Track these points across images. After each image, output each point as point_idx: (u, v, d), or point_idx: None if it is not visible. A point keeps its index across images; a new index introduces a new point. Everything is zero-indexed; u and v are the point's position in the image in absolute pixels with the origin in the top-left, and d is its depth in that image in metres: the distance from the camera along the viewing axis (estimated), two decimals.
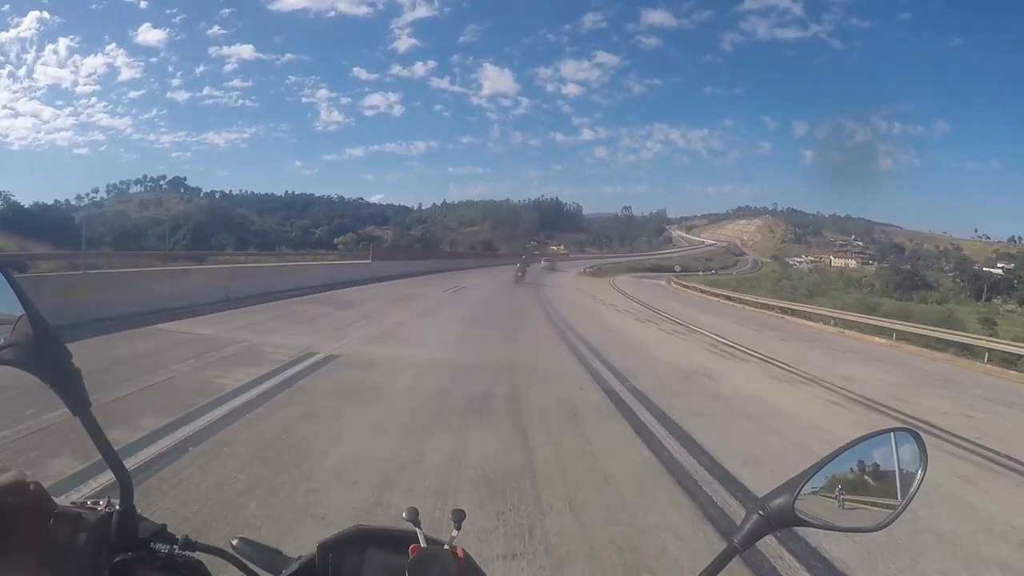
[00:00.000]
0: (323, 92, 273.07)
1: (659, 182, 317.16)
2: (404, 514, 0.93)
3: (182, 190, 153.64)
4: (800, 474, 0.87)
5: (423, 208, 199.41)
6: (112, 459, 0.78)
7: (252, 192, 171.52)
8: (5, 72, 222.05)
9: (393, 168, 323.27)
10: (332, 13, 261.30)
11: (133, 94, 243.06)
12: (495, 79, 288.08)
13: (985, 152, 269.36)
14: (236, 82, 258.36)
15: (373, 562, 0.90)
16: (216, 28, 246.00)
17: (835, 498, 0.88)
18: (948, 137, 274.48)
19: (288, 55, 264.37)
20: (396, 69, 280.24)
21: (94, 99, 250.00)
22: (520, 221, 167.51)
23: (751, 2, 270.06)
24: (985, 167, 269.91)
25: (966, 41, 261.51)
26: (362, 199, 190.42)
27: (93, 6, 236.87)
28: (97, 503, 0.83)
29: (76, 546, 0.74)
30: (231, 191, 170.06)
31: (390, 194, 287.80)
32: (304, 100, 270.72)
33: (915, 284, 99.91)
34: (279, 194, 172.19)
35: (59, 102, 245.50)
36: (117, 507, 0.80)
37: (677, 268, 78.66)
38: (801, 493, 0.85)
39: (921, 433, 0.92)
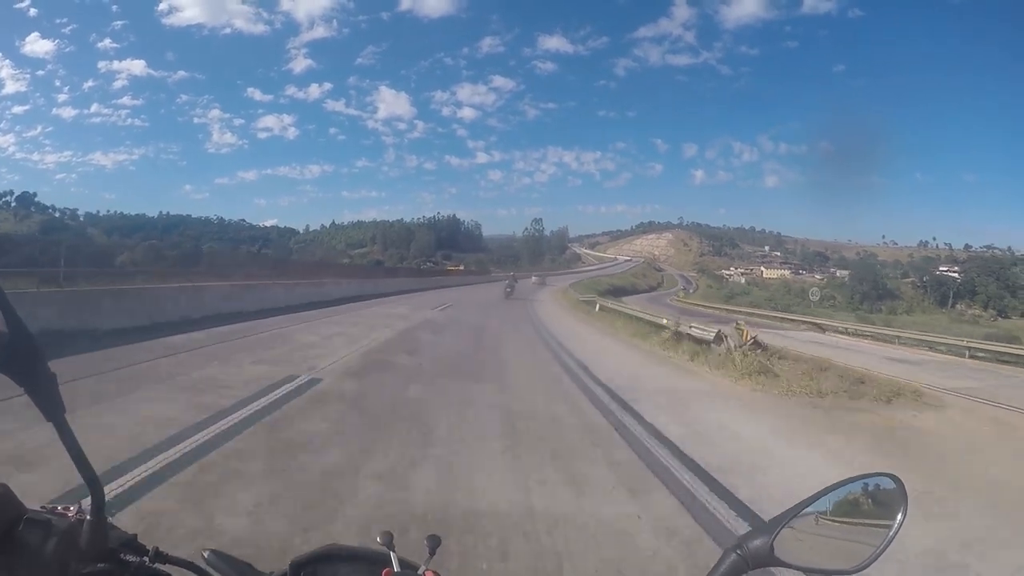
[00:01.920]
0: (216, 112, 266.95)
1: (553, 204, 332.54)
2: (379, 538, 0.96)
3: (32, 208, 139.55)
4: (779, 515, 0.88)
5: (311, 230, 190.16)
6: (84, 466, 0.77)
7: (121, 213, 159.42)
8: None
9: (286, 192, 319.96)
10: (228, 30, 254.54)
11: (17, 109, 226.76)
12: (391, 102, 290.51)
13: (866, 168, 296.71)
14: (126, 99, 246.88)
15: None
16: (107, 41, 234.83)
17: (814, 539, 0.90)
18: (831, 155, 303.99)
19: (180, 72, 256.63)
20: (291, 90, 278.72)
21: None
22: (414, 240, 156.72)
23: (645, 30, 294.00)
24: (866, 181, 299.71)
25: (848, 67, 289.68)
26: (244, 221, 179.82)
27: None
28: (68, 508, 0.83)
29: (44, 553, 0.74)
30: (98, 212, 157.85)
31: (283, 219, 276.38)
32: (196, 121, 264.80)
33: (880, 294, 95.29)
34: (152, 215, 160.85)
35: None
36: (88, 516, 0.79)
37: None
38: (780, 533, 0.86)
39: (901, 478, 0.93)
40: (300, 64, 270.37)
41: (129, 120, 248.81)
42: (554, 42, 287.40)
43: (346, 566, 0.93)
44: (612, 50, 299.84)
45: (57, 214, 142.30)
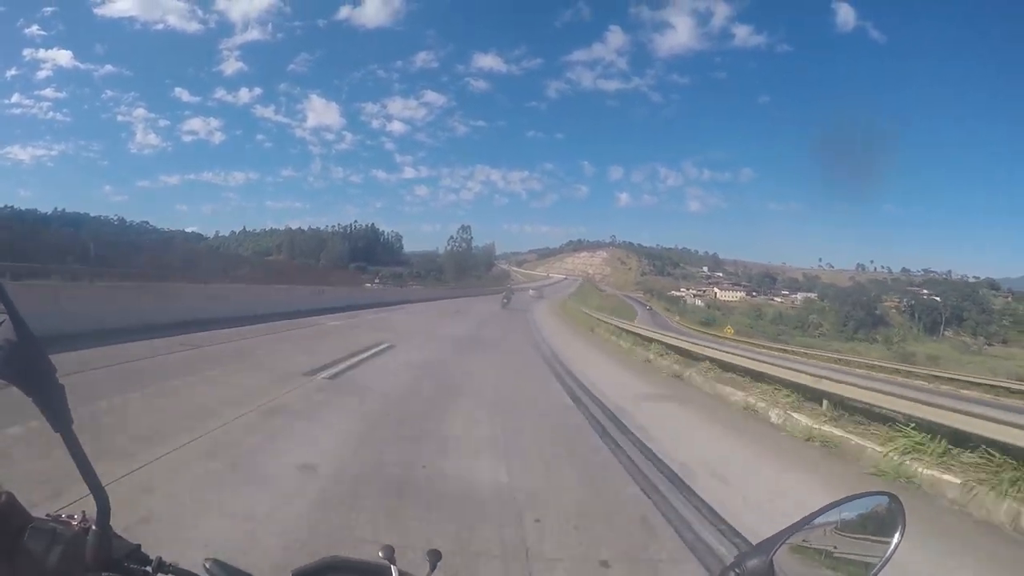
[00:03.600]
0: (140, 111, 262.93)
1: (480, 221, 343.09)
2: (380, 552, 0.97)
3: None
4: (777, 533, 0.90)
5: (221, 236, 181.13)
6: (90, 476, 0.79)
7: (11, 207, 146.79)
8: None
9: (209, 199, 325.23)
10: (160, 26, 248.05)
11: None
12: (321, 111, 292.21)
13: (787, 195, 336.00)
14: (49, 91, 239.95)
15: None
16: (35, 27, 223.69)
17: (812, 557, 0.92)
18: (753, 182, 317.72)
19: (108, 67, 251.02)
20: (220, 93, 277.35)
21: None
22: (326, 249, 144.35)
23: (579, 54, 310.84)
24: (786, 208, 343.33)
25: (774, 98, 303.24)
26: (147, 223, 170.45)
27: None
28: (72, 517, 0.84)
29: (49, 562, 0.76)
30: None
31: (205, 226, 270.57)
32: (120, 119, 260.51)
33: (874, 321, 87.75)
34: (45, 211, 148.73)
35: None
36: (93, 525, 0.81)
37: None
38: (778, 552, 0.88)
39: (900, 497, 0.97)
40: (231, 67, 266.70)
41: (51, 114, 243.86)
42: (488, 60, 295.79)
43: None
44: (545, 71, 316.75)
45: None
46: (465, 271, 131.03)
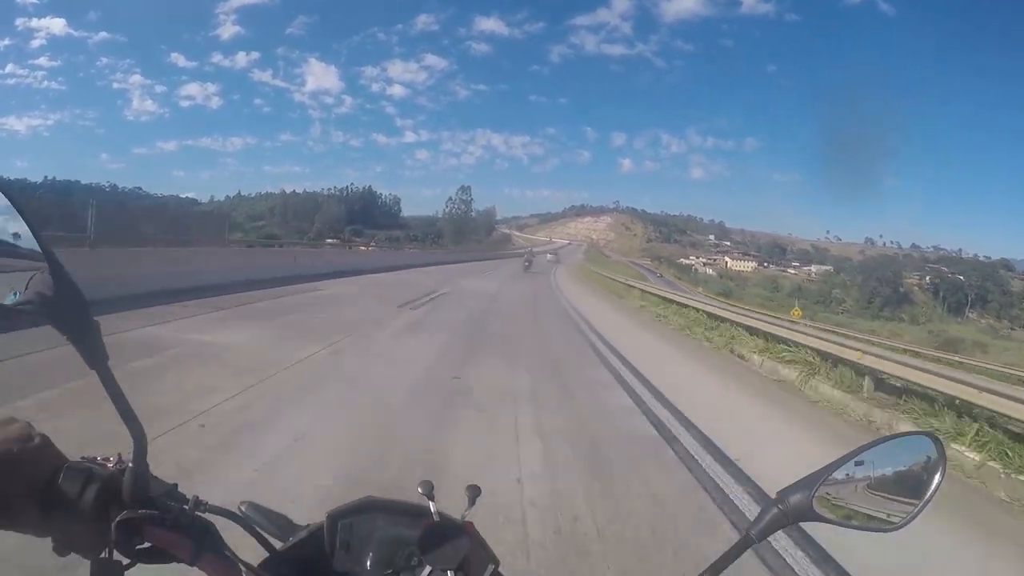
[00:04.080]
0: (136, 78, 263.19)
1: (480, 185, 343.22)
2: (419, 488, 0.97)
3: None
4: (819, 470, 0.90)
5: (216, 200, 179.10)
6: (127, 414, 0.79)
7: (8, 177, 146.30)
8: None
9: (207, 165, 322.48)
10: None
11: None
12: (320, 75, 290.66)
13: (791, 165, 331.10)
14: (43, 60, 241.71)
15: (383, 534, 0.93)
16: None
17: (852, 496, 0.92)
18: (757, 151, 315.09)
19: (102, 34, 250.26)
20: (217, 58, 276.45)
21: None
22: (320, 212, 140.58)
23: (583, 17, 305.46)
24: (790, 179, 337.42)
25: (781, 67, 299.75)
26: (140, 188, 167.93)
27: None
28: (108, 459, 0.84)
29: (84, 501, 0.76)
30: None
31: (202, 192, 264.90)
32: (116, 86, 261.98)
33: (899, 299, 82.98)
34: (35, 180, 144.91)
35: None
36: (129, 464, 0.81)
37: None
38: (819, 489, 0.88)
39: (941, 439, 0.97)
40: (228, 31, 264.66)
41: (46, 83, 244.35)
42: (490, 23, 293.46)
43: (384, 518, 0.94)
44: (548, 35, 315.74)
45: None
46: (464, 235, 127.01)
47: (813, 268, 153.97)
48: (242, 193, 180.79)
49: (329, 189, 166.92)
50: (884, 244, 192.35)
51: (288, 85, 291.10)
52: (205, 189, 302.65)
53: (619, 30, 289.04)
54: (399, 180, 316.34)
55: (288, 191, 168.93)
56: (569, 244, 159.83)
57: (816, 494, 0.86)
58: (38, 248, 0.74)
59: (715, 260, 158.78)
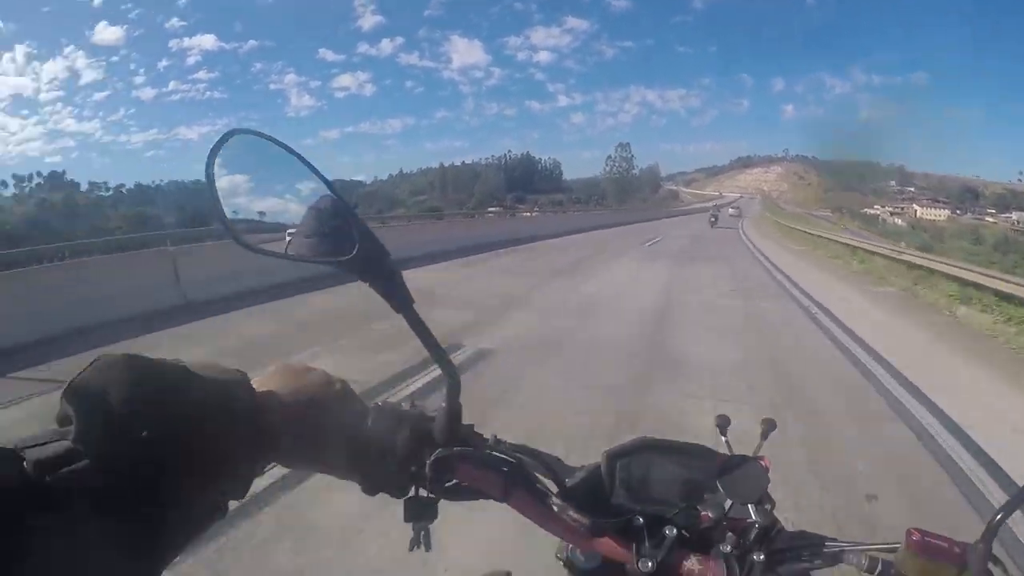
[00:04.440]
0: (291, 77, 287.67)
1: (639, 143, 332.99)
2: (716, 420, 0.97)
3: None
4: None
5: (379, 180, 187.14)
6: (439, 356, 0.79)
7: (175, 181, 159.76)
8: None
9: (369, 149, 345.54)
10: None
11: (98, 96, 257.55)
12: (464, 51, 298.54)
13: (969, 99, 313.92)
14: (201, 73, 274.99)
15: (661, 472, 0.89)
16: (175, 20, 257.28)
17: None
18: (929, 86, 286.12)
19: (252, 42, 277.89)
20: (363, 48, 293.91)
21: (59, 104, 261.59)
22: (480, 182, 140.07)
23: None
24: (970, 114, 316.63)
25: None
26: None
27: (45, 8, 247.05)
28: (414, 403, 0.86)
29: (397, 441, 0.79)
30: (152, 183, 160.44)
31: (369, 174, 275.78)
32: (272, 87, 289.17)
33: None
34: (187, 180, 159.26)
35: (24, 111, 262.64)
36: (443, 404, 0.82)
37: None
38: None
39: None
40: (368, 21, 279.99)
41: (207, 93, 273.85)
42: None
43: (662, 457, 0.90)
44: None
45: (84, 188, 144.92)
46: (628, 194, 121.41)
47: (1014, 215, 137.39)
48: (404, 171, 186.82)
49: (487, 159, 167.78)
50: None
51: (435, 64, 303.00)
52: (371, 171, 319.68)
53: None
54: (557, 145, 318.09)
55: (447, 165, 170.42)
56: (740, 197, 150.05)
57: None
58: (328, 198, 0.75)
59: (902, 209, 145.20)
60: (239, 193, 0.78)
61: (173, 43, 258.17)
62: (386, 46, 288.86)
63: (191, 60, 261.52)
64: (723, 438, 0.94)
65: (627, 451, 0.89)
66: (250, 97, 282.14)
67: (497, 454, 0.83)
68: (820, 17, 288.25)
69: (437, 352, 0.77)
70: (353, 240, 0.72)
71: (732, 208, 67.60)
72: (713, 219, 43.91)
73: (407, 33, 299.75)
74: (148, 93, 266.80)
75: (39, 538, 0.40)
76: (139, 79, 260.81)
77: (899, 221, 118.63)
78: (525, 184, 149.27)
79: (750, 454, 0.88)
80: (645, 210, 74.00)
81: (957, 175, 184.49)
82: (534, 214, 50.65)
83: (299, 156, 0.75)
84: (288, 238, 0.75)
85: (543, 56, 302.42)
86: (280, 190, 0.80)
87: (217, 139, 0.72)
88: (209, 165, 0.72)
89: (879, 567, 0.73)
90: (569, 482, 0.87)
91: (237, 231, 0.75)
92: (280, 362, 0.77)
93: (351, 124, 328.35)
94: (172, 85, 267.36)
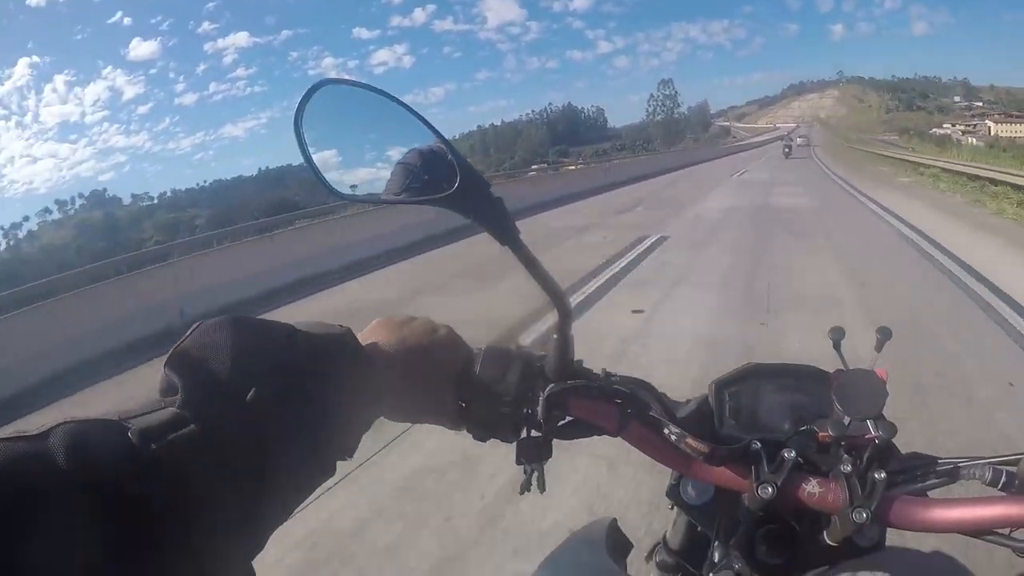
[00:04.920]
0: (328, 60, 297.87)
1: (687, 81, 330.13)
2: (829, 333, 0.89)
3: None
4: None
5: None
6: (549, 285, 0.77)
7: (219, 179, 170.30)
8: (12, 123, 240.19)
9: None
10: None
11: (142, 109, 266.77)
12: (499, 9, 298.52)
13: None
14: (240, 71, 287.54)
15: (772, 399, 0.89)
16: (206, 24, 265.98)
17: None
18: None
19: (285, 32, 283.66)
20: (397, 20, 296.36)
21: (105, 124, 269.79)
22: (522, 140, 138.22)
23: None
24: (1013, 17, 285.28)
25: None
26: None
27: (79, 36, 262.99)
28: (520, 345, 0.85)
29: (508, 381, 0.78)
30: (180, 189, 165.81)
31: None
32: (311, 72, 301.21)
33: None
34: (250, 174, 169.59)
35: (73, 136, 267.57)
36: (555, 336, 0.81)
37: None
38: None
39: None
40: None
41: (248, 89, 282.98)
42: None
43: (771, 382, 0.89)
44: None
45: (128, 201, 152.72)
46: (676, 134, 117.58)
47: None
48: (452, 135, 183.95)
49: (528, 114, 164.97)
50: None
51: (471, 27, 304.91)
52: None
53: None
54: (603, 92, 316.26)
55: (486, 126, 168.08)
56: (797, 127, 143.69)
57: None
58: (418, 132, 0.75)
59: (975, 127, 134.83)
60: (330, 144, 0.78)
61: (208, 46, 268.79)
62: (419, 15, 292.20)
63: (227, 60, 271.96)
64: (838, 352, 0.86)
65: (735, 379, 0.89)
66: (290, 86, 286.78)
67: (613, 384, 0.82)
68: None
69: (546, 281, 0.76)
70: (453, 175, 0.71)
71: (800, 137, 68.10)
72: (787, 149, 44.71)
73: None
74: (190, 98, 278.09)
75: (143, 509, 0.41)
76: (180, 86, 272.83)
77: (972, 140, 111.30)
78: (571, 137, 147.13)
79: (866, 367, 0.84)
80: (695, 150, 70.63)
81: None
82: (578, 167, 48.48)
83: (388, 95, 0.75)
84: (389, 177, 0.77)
85: (579, 3, 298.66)
86: (372, 136, 0.80)
87: (303, 94, 0.72)
88: (297, 121, 0.72)
89: (1003, 477, 0.72)
90: (680, 414, 0.85)
91: (331, 183, 0.76)
92: (382, 317, 0.76)
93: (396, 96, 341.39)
94: (212, 87, 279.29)
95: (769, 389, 0.88)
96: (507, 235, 0.72)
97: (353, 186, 0.79)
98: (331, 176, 0.76)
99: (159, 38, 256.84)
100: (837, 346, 0.86)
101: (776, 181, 22.12)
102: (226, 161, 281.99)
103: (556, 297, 0.77)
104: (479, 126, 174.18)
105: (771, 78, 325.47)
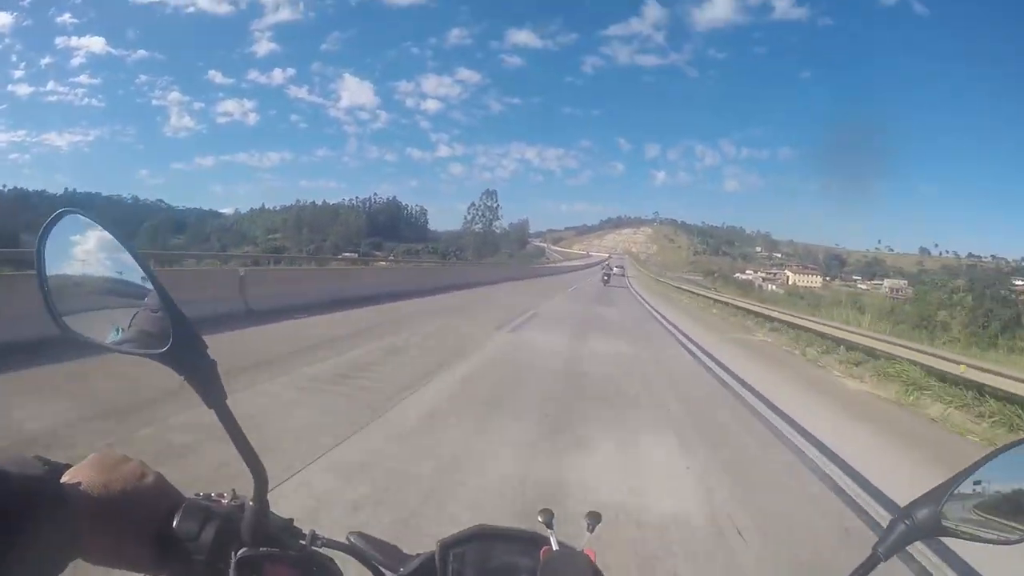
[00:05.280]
0: (175, 95, 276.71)
1: (514, 199, 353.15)
2: (539, 516, 0.97)
3: None
4: (946, 482, 0.88)
5: (240, 213, 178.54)
6: (247, 452, 0.80)
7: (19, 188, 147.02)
8: None
9: (244, 180, 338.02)
10: (191, 9, 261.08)
11: None
12: (355, 91, 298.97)
13: (829, 173, 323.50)
14: (83, 78, 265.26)
15: (497, 563, 0.92)
16: (67, 15, 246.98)
17: (979, 507, 0.88)
18: (793, 160, 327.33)
19: (141, 52, 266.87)
20: (254, 74, 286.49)
21: None
22: (339, 223, 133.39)
23: (615, 28, 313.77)
24: (829, 187, 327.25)
25: (815, 73, 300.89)
26: (161, 201, 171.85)
27: None
28: (222, 495, 0.85)
29: (203, 540, 0.77)
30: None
31: (238, 206, 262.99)
32: (155, 103, 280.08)
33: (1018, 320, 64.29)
34: (55, 192, 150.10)
35: None
36: (249, 501, 0.82)
37: None
38: (947, 502, 0.86)
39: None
40: (263, 47, 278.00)
41: (86, 100, 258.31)
42: (523, 36, 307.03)
43: (497, 546, 0.92)
44: (581, 47, 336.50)
45: None
46: (491, 246, 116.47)
47: (887, 283, 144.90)
48: (266, 206, 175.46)
49: (351, 199, 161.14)
50: (940, 254, 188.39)
51: (324, 101, 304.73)
52: (244, 203, 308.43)
53: (652, 40, 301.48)
54: (433, 194, 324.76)
55: (305, 203, 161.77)
56: (609, 257, 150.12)
57: (944, 507, 0.84)
58: (149, 285, 0.75)
59: (775, 274, 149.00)
60: (67, 272, 0.78)
61: (60, 40, 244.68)
62: (277, 75, 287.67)
63: (75, 62, 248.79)
64: (550, 532, 0.91)
65: (461, 540, 0.90)
66: (129, 110, 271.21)
67: (316, 550, 0.83)
68: (700, 90, 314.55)
69: (245, 448, 0.77)
70: (169, 332, 0.71)
71: (617, 267, 69.56)
72: (606, 278, 47.16)
73: (300, 65, 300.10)
74: (24, 90, 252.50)
75: None
76: (18, 73, 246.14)
77: (772, 287, 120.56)
78: (389, 231, 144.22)
79: (580, 543, 0.89)
80: (501, 267, 67.79)
81: (821, 243, 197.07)
82: (388, 263, 46.20)
83: (126, 245, 0.74)
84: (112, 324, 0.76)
85: (431, 104, 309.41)
86: (106, 274, 0.78)
87: (49, 218, 0.71)
88: (40, 244, 0.72)
89: None
90: (403, 571, 0.87)
91: (61, 318, 0.74)
92: (98, 453, 0.74)
93: (229, 152, 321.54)
94: (51, 85, 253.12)
95: (494, 552, 0.89)
96: (215, 400, 0.73)
97: (83, 320, 0.77)
98: (63, 305, 0.75)
99: (15, 13, 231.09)
100: (549, 526, 0.92)
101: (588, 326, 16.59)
102: (40, 170, 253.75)
103: (253, 465, 0.78)
104: (298, 200, 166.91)
105: (592, 209, 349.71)
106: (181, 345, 0.70)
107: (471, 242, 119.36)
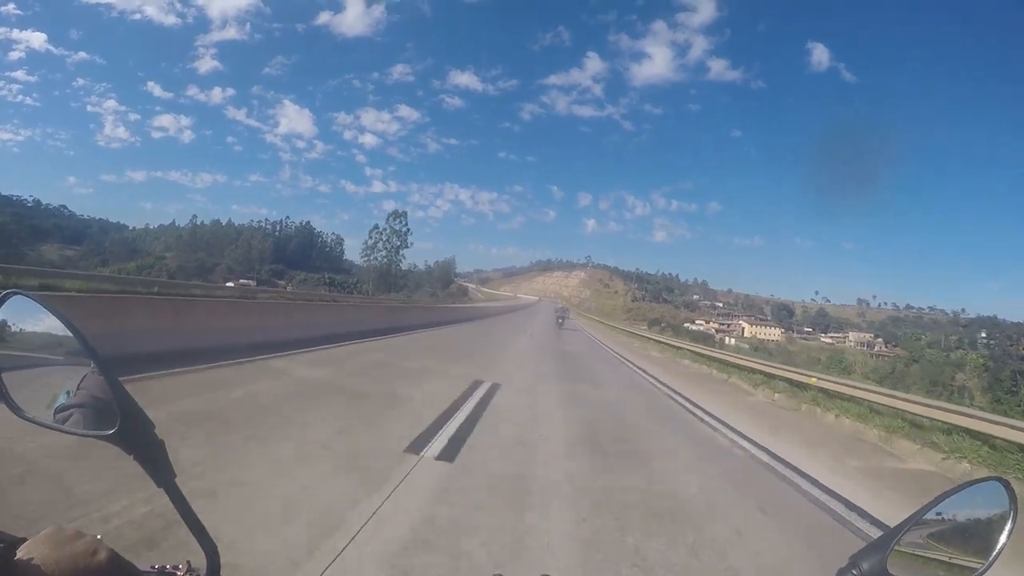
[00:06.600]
0: (111, 103, 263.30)
1: (445, 239, 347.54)
2: None
3: None
4: (891, 530, 0.91)
5: (151, 228, 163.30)
6: (198, 529, 0.83)
7: None
8: None
9: (174, 199, 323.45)
10: (138, 16, 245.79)
11: None
12: (294, 118, 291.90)
13: (751, 229, 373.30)
14: (20, 73, 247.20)
15: None
16: (11, 6, 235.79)
17: (926, 552, 0.93)
18: (720, 214, 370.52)
19: (81, 54, 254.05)
20: (193, 91, 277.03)
21: None
22: (237, 245, 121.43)
23: (556, 78, 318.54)
24: (750, 242, 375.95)
25: (745, 134, 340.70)
26: (64, 207, 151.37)
27: None
28: (177, 568, 0.86)
29: None
30: None
31: (164, 221, 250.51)
32: (90, 109, 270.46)
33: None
34: None
35: None
36: (202, 573, 0.84)
37: None
38: (893, 549, 0.89)
39: (1010, 480, 0.97)
40: (206, 64, 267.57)
41: (20, 97, 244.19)
42: (464, 78, 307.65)
43: None
44: (521, 93, 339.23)
45: None
46: (396, 278, 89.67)
47: (852, 336, 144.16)
48: (175, 223, 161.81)
49: (260, 221, 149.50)
50: (878, 306, 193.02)
51: (261, 125, 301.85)
52: (177, 221, 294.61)
53: (590, 91, 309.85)
54: (363, 228, 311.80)
55: (201, 222, 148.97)
56: (540, 301, 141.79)
57: (890, 554, 0.87)
58: (96, 370, 0.76)
59: (728, 325, 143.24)
60: (13, 355, 0.79)
61: (1, 31, 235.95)
62: (217, 95, 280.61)
63: (14, 56, 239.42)
64: None
65: None
66: (63, 114, 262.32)
67: None
68: (635, 143, 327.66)
69: (196, 526, 0.80)
70: (116, 413, 0.73)
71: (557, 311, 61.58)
72: (560, 320, 45.60)
73: (241, 86, 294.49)
74: None
75: None
76: None
77: (732, 340, 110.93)
78: (300, 258, 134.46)
79: None
80: (420, 308, 57.27)
81: (757, 294, 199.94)
82: (284, 292, 38.53)
83: (70, 326, 0.76)
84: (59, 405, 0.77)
85: (369, 139, 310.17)
86: (52, 355, 0.79)
87: None
88: None
89: None
90: None
91: (8, 391, 0.77)
92: (54, 527, 0.74)
93: (161, 169, 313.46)
94: None
95: None
96: (164, 479, 0.76)
97: (31, 399, 0.78)
98: (11, 385, 0.76)
99: None
100: None
101: None
102: None
103: (205, 543, 0.81)
104: (194, 216, 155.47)
105: (522, 254, 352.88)
106: (129, 426, 0.73)
107: (369, 275, 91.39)
